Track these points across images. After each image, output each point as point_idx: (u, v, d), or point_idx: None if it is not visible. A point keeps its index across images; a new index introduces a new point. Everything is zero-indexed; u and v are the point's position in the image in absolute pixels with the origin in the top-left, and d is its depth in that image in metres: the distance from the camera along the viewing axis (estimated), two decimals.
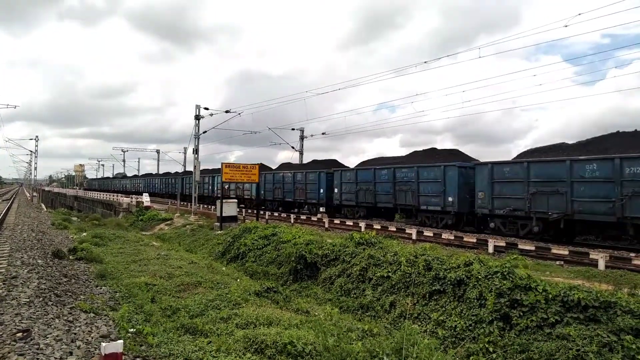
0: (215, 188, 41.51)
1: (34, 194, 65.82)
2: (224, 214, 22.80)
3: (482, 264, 9.59)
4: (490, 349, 7.76)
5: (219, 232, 21.86)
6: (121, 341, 4.87)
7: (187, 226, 25.19)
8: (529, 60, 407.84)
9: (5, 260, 11.22)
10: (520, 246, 14.75)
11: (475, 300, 8.81)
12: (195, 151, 29.00)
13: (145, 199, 37.19)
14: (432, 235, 17.89)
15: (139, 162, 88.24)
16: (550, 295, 7.96)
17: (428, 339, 6.86)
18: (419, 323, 9.25)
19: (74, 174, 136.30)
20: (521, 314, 8.03)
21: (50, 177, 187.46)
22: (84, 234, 20.09)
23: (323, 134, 44.54)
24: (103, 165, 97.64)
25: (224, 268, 14.41)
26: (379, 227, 20.31)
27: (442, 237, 17.43)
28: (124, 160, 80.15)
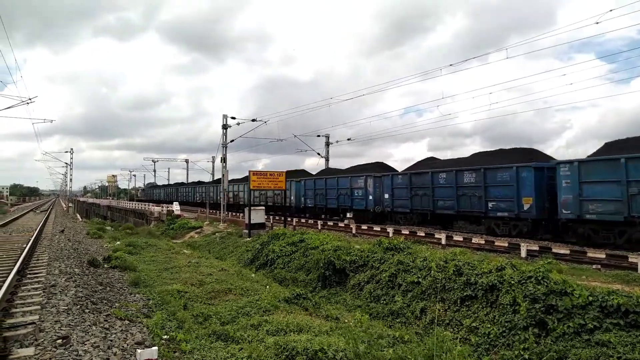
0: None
1: (70, 204, 67.85)
2: (252, 221, 22.99)
3: (514, 269, 9.41)
4: (526, 356, 7.60)
5: (248, 239, 22.00)
6: (155, 348, 4.95)
7: (217, 234, 25.49)
8: (561, 59, 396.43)
9: (44, 269, 11.52)
10: (554, 250, 14.39)
11: (509, 306, 8.63)
12: (223, 160, 29.35)
13: (176, 207, 37.81)
14: (462, 239, 17.61)
15: (168, 171, 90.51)
16: (588, 300, 7.75)
17: (460, 346, 6.76)
18: (451, 329, 9.14)
19: (107, 184, 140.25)
20: (557, 319, 7.82)
21: (84, 188, 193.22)
22: (118, 242, 20.48)
23: (349, 139, 42.09)
24: (135, 175, 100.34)
25: (253, 275, 14.49)
26: (407, 233, 20.18)
27: (473, 241, 17.14)
28: (154, 170, 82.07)
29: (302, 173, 39.42)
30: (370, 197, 27.27)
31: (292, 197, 34.92)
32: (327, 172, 35.24)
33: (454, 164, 23.15)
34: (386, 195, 25.90)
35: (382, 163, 32.18)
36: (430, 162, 26.52)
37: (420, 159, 28.33)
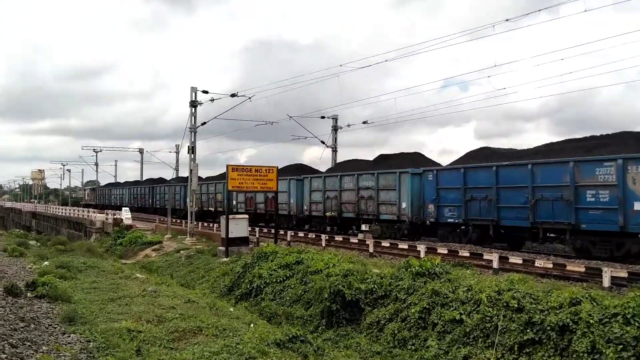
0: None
1: None
2: (230, 235, 23.09)
3: (594, 303, 9.44)
4: None
5: (224, 259, 22.09)
6: None
7: (182, 252, 25.65)
8: None
9: None
10: None
11: (586, 355, 8.65)
12: (191, 150, 29.14)
13: (125, 215, 37.91)
14: (520, 262, 17.54)
15: (116, 165, 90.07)
16: None
17: None
18: None
19: (31, 182, 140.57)
20: None
21: None
22: (46, 263, 20.47)
23: (365, 123, 40.81)
24: (69, 170, 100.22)
25: (232, 309, 14.62)
26: (446, 252, 20.20)
27: (536, 264, 17.03)
28: (96, 164, 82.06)
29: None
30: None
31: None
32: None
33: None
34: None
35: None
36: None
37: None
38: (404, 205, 26.71)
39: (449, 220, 24.56)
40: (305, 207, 33.88)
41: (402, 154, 32.18)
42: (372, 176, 28.78)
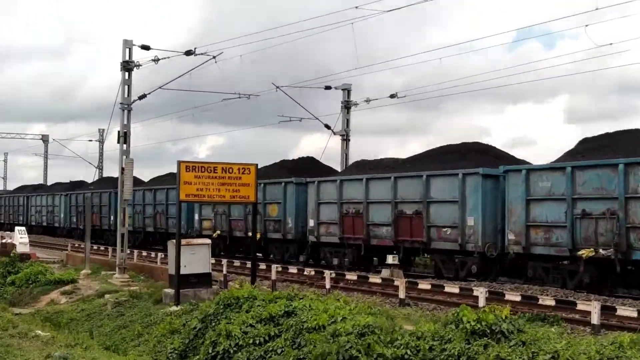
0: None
1: None
2: (183, 271, 23.13)
3: None
4: None
5: (174, 308, 22.09)
6: None
7: (108, 296, 25.56)
8: None
9: None
10: None
11: None
12: (123, 137, 29.33)
13: (21, 238, 37.73)
14: (635, 315, 17.47)
15: (5, 161, 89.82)
16: None
17: None
18: None
19: None
20: None
21: None
22: None
23: (393, 96, 41.81)
24: None
25: None
26: (518, 298, 20.31)
27: None
28: None
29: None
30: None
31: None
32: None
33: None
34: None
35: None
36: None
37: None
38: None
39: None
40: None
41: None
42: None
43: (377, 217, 30.49)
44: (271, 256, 37.95)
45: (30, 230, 63.95)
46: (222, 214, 38.51)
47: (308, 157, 42.15)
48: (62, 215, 63.72)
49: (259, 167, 26.95)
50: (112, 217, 50.07)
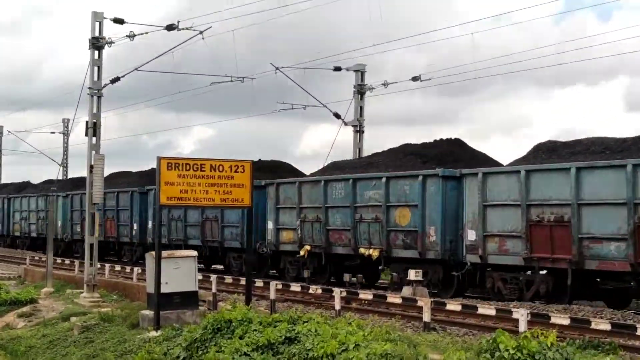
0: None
1: None
2: (165, 289, 22.25)
3: None
4: None
5: (152, 333, 21.50)
6: None
7: (74, 319, 24.78)
8: None
9: None
10: None
11: None
12: (92, 129, 28.85)
13: None
14: None
15: None
16: None
17: None
18: None
19: None
20: None
21: None
22: None
23: (416, 79, 40.20)
24: None
25: None
26: (567, 322, 19.23)
27: None
28: None
29: (459, 155, 33.60)
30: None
31: (429, 232, 30.12)
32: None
33: None
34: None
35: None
36: None
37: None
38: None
39: None
40: (471, 242, 28.01)
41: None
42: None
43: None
44: (392, 285, 29.37)
45: (13, 244, 61.22)
46: (316, 221, 32.07)
47: (452, 139, 35.29)
48: (59, 224, 56.89)
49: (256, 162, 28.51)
50: (135, 226, 45.84)
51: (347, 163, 36.37)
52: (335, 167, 35.69)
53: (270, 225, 34.66)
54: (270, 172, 38.23)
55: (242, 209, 28.84)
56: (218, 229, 37.07)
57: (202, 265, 38.33)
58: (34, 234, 58.71)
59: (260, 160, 40.42)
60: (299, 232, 32.91)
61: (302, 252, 32.10)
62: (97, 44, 29.15)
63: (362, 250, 29.64)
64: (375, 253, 29.35)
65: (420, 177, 28.21)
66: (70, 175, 69.36)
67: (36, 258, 45.90)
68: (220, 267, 39.75)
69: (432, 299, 23.28)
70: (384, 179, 29.89)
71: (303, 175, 38.00)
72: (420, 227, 27.87)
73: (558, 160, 25.84)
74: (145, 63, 31.08)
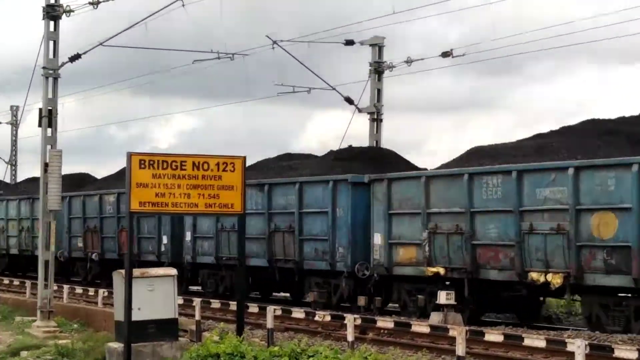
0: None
1: None
2: (136, 316, 20.56)
3: None
4: None
5: None
6: None
7: (25, 353, 23.46)
8: None
9: None
10: None
11: None
12: (47, 118, 27.05)
13: None
14: None
15: None
16: None
17: None
18: None
19: None
20: None
21: None
22: None
23: (446, 55, 36.82)
24: None
25: None
26: (634, 356, 17.17)
27: None
28: None
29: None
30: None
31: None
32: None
33: None
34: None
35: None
36: None
37: None
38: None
39: None
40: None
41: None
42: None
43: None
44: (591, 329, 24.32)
45: None
46: (455, 232, 26.78)
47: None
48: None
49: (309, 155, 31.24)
50: (165, 239, 38.33)
51: (501, 148, 30.22)
52: (480, 154, 29.70)
53: (378, 238, 28.26)
54: (367, 163, 32.45)
55: (237, 214, 23.76)
56: (294, 243, 30.61)
57: (271, 295, 34.89)
58: (80, 253, 49.02)
59: (350, 146, 34.79)
60: (427, 248, 27.23)
61: (429, 273, 26.06)
62: (52, 12, 26.70)
63: (533, 275, 23.75)
64: (556, 280, 23.83)
65: (637, 167, 21.63)
66: (20, 177, 63.68)
67: None
68: (290, 297, 34.41)
69: (467, 327, 21.46)
70: (570, 170, 22.93)
71: (416, 168, 32.55)
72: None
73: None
74: (113, 36, 28.72)
